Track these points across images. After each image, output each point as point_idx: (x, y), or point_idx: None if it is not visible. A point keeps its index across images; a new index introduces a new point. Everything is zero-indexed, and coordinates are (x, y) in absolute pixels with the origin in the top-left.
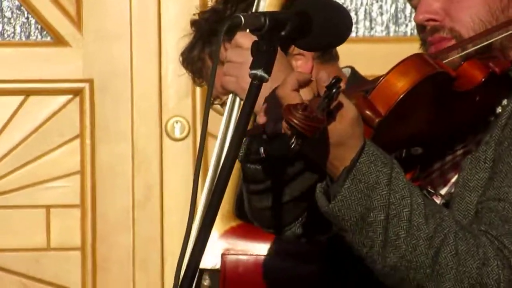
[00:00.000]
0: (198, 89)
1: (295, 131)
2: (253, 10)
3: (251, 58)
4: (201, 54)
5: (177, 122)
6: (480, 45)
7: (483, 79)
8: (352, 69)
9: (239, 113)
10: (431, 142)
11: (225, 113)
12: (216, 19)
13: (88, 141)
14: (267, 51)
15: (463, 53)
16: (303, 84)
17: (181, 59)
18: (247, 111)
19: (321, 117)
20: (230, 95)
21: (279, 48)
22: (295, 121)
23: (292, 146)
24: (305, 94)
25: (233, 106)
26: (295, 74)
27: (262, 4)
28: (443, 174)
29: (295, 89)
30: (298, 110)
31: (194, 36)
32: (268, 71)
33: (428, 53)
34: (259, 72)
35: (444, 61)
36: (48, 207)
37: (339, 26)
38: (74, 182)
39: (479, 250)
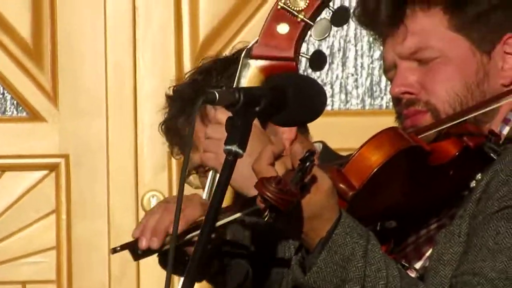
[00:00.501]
0: (174, 163)
1: (268, 205)
2: (234, 86)
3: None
4: (179, 125)
5: (153, 196)
6: (456, 121)
7: (457, 153)
8: (324, 144)
9: (213, 189)
10: (406, 215)
11: (206, 189)
12: (195, 88)
13: (64, 217)
14: (242, 127)
15: (439, 128)
16: (278, 156)
17: (160, 128)
18: (222, 186)
19: (295, 191)
20: (210, 172)
21: (257, 123)
22: (268, 194)
23: (266, 219)
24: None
25: (213, 183)
26: (270, 147)
27: (242, 81)
28: (418, 248)
29: (270, 163)
30: (272, 183)
31: (173, 107)
32: (243, 147)
33: (403, 127)
34: (234, 148)
35: (420, 136)
36: (24, 283)
37: (314, 101)
38: (50, 258)
39: None
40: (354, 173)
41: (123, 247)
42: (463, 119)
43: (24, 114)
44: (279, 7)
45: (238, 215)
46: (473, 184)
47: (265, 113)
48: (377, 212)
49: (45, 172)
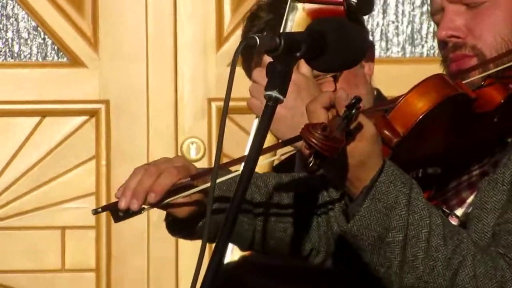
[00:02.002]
0: (213, 110)
1: (313, 151)
2: (281, 31)
3: None
4: (263, 14)
5: (192, 143)
6: (502, 67)
7: (502, 101)
8: (378, 90)
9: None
10: (448, 162)
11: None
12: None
13: (103, 162)
14: (282, 72)
15: (484, 74)
16: (333, 105)
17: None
18: (261, 132)
19: (340, 137)
20: (255, 120)
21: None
22: (314, 140)
23: (311, 165)
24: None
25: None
26: (329, 93)
27: (289, 24)
28: (459, 194)
29: (325, 106)
30: (317, 130)
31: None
32: (283, 92)
33: (448, 73)
34: (274, 93)
35: (464, 81)
36: (63, 228)
37: (355, 46)
38: (89, 203)
39: (497, 273)
40: (399, 120)
41: (104, 208)
42: (509, 64)
43: (65, 59)
44: None
45: (273, 158)
46: None
47: (305, 58)
48: (420, 158)
49: (85, 117)
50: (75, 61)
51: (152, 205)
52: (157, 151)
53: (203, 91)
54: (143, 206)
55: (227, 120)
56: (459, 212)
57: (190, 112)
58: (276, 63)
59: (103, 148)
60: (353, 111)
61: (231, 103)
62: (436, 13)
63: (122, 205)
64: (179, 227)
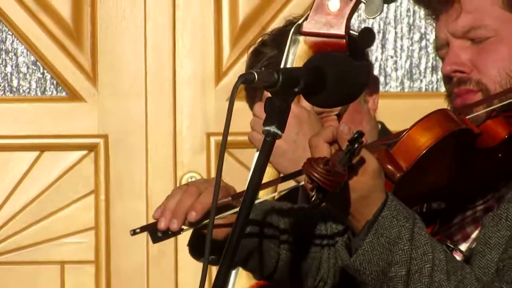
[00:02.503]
0: (212, 145)
1: (316, 185)
2: (282, 65)
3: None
4: (266, 50)
5: (191, 177)
6: (506, 102)
7: (506, 136)
8: (382, 124)
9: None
10: (453, 196)
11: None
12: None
13: (102, 197)
14: (280, 108)
15: (488, 109)
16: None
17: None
18: (260, 167)
19: (343, 172)
20: (256, 153)
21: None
22: (316, 175)
23: (313, 199)
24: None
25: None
26: (332, 128)
27: (291, 57)
28: (463, 229)
29: (328, 141)
30: (320, 164)
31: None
32: (281, 128)
33: (452, 108)
34: (272, 129)
35: (468, 116)
36: (62, 263)
37: (353, 82)
38: (88, 238)
39: None
40: (403, 155)
41: (142, 228)
42: None
43: (64, 94)
44: None
45: (274, 194)
46: None
47: (304, 93)
48: (423, 193)
49: (84, 152)
50: (74, 96)
51: (192, 225)
52: (156, 186)
53: (202, 126)
54: (182, 226)
55: (226, 155)
56: (463, 247)
57: (189, 146)
58: (274, 98)
59: (102, 183)
60: (356, 145)
61: (230, 138)
62: (441, 48)
63: (162, 225)
64: (213, 250)
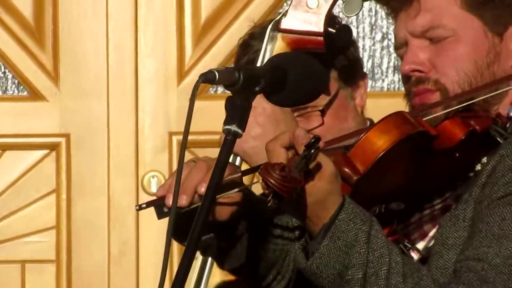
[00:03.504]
0: (174, 144)
1: (272, 191)
2: (259, 62)
3: (253, 118)
4: (253, 42)
5: (153, 177)
6: (464, 104)
7: (463, 137)
8: (371, 120)
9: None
10: (410, 197)
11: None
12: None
13: (64, 196)
14: (241, 107)
15: (446, 111)
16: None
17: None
18: (221, 166)
19: (299, 178)
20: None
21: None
22: (272, 181)
23: (269, 204)
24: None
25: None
26: (289, 133)
27: (268, 54)
28: (421, 227)
29: (285, 146)
30: (276, 170)
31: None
32: (242, 126)
33: (410, 109)
34: (233, 128)
35: (426, 118)
36: (23, 262)
37: (314, 82)
38: (49, 237)
39: None
40: (360, 158)
41: (148, 204)
42: (471, 102)
43: (25, 93)
44: None
45: (235, 190)
46: (478, 167)
47: (265, 92)
48: (381, 194)
49: (45, 151)
50: (35, 95)
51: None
52: (117, 185)
53: (164, 125)
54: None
55: (187, 154)
56: (420, 245)
57: (151, 145)
58: (235, 97)
59: (64, 182)
60: (312, 151)
61: (191, 137)
62: (399, 47)
63: (171, 201)
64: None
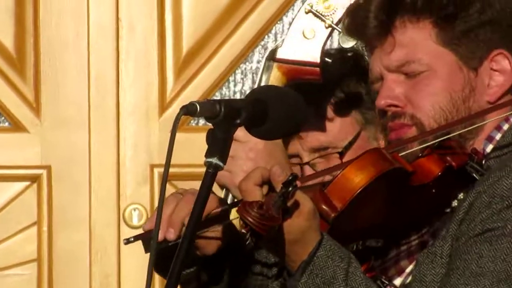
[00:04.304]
0: (156, 176)
1: (250, 229)
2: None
3: (244, 153)
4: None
5: (135, 209)
6: (440, 139)
7: (439, 173)
8: None
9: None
10: (387, 232)
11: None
12: None
13: (45, 228)
14: (222, 139)
15: (422, 146)
16: (267, 179)
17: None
18: (202, 199)
19: (276, 216)
20: (224, 190)
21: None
22: (250, 219)
23: (248, 242)
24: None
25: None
26: (260, 169)
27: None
28: (398, 263)
29: (258, 184)
30: (254, 208)
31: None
32: (224, 159)
33: (386, 145)
34: (214, 160)
35: (402, 154)
36: None
37: (294, 115)
38: (31, 270)
39: None
40: (337, 195)
41: (136, 237)
42: (447, 137)
43: (6, 124)
44: (306, 10)
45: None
46: (455, 203)
47: (246, 125)
48: (359, 231)
49: (26, 183)
50: (16, 126)
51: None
52: (99, 217)
53: (145, 157)
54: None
55: (168, 187)
56: (397, 281)
57: (132, 178)
58: (217, 129)
59: (45, 214)
60: (290, 188)
61: (173, 170)
62: (375, 82)
63: (160, 236)
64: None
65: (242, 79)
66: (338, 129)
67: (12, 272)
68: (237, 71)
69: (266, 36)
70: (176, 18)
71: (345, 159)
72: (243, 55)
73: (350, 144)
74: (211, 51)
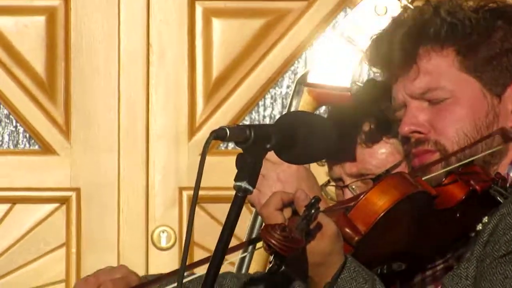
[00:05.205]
0: (185, 199)
1: (273, 251)
2: (286, 110)
3: (276, 174)
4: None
5: (163, 232)
6: (463, 162)
7: (463, 197)
8: None
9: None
10: (412, 257)
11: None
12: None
13: (73, 250)
14: (252, 163)
15: (445, 169)
16: (288, 203)
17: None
18: (231, 222)
19: (299, 238)
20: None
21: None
22: (273, 241)
23: (271, 265)
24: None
25: (255, 219)
26: (280, 193)
27: (294, 107)
28: None
29: (278, 208)
30: (277, 231)
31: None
32: (253, 183)
33: (410, 168)
34: (244, 185)
35: (425, 177)
36: None
37: (323, 141)
38: None
39: None
40: (360, 218)
41: None
42: (470, 159)
43: (37, 147)
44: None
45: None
46: (479, 227)
47: (276, 150)
48: (383, 254)
49: (56, 205)
50: (46, 149)
51: None
52: (127, 239)
53: (174, 180)
54: None
55: (198, 210)
56: None
57: (161, 200)
58: (246, 154)
59: (74, 236)
60: (312, 211)
61: (202, 192)
62: (398, 109)
63: None
64: None
65: (272, 103)
66: (375, 157)
67: None
68: (266, 96)
69: (296, 62)
70: (206, 43)
71: None
72: (273, 80)
73: (387, 171)
74: (240, 76)
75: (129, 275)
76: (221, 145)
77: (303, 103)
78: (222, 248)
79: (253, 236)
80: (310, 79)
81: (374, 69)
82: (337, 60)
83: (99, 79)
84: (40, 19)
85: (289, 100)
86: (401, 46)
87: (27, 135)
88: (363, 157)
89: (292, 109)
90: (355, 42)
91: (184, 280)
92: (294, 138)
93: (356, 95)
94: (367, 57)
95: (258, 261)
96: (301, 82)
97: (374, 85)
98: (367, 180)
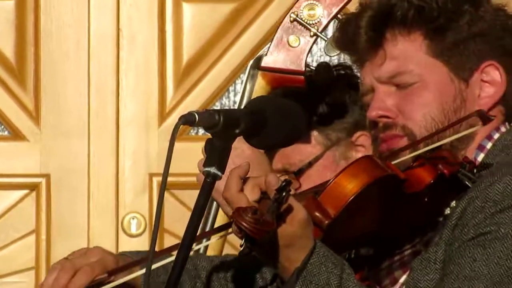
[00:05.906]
0: (155, 185)
1: (244, 234)
2: (239, 100)
3: (231, 160)
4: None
5: (133, 218)
6: (431, 147)
7: (431, 181)
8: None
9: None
10: (381, 241)
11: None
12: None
13: (43, 237)
14: (221, 149)
15: (413, 154)
16: (245, 175)
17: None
18: (199, 208)
19: (271, 221)
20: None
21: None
22: (244, 224)
23: (242, 248)
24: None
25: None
26: (235, 171)
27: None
28: (391, 273)
29: (239, 189)
30: (248, 213)
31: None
32: (222, 169)
33: (378, 153)
34: (213, 170)
35: (394, 162)
36: None
37: (293, 125)
38: (29, 278)
39: None
40: (330, 202)
41: None
42: (438, 144)
43: (6, 133)
44: (291, 19)
45: (208, 242)
46: (447, 211)
47: (245, 135)
48: (352, 239)
49: (25, 191)
50: (16, 135)
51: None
52: (97, 226)
53: (144, 166)
54: None
55: (167, 196)
56: None
57: (131, 187)
58: (215, 139)
59: (43, 223)
60: (283, 194)
61: (171, 178)
62: (366, 94)
63: None
64: None
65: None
66: (297, 151)
67: (10, 280)
68: (237, 81)
69: (266, 47)
70: (176, 28)
71: (304, 180)
72: (243, 65)
73: (310, 164)
74: (211, 61)
75: (104, 257)
76: (191, 131)
77: (257, 87)
78: (191, 234)
79: (207, 227)
80: (264, 63)
81: (330, 52)
82: (291, 43)
83: (69, 64)
84: (9, 3)
85: (243, 84)
86: (368, 30)
87: None
88: (287, 152)
89: (246, 93)
90: (309, 25)
91: (160, 264)
92: (264, 123)
93: (309, 78)
94: (334, 40)
95: (216, 250)
96: (255, 67)
97: (327, 68)
98: (290, 175)
